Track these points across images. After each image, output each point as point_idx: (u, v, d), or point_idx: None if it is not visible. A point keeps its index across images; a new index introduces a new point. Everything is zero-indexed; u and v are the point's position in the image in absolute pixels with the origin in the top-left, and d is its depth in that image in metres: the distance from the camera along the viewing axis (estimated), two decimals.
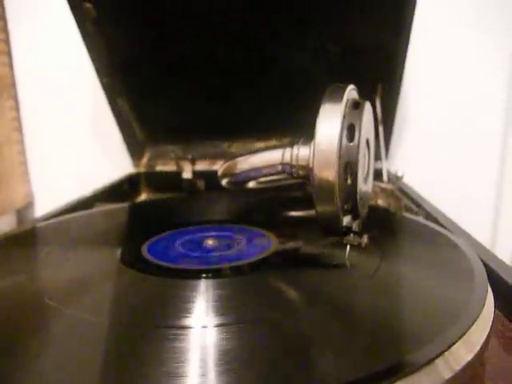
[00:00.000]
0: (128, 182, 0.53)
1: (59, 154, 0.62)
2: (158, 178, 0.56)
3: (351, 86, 0.25)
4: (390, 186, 0.42)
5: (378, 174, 0.44)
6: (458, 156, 0.57)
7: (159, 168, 0.56)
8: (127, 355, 0.16)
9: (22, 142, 0.60)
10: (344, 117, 0.23)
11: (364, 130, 0.23)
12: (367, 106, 0.25)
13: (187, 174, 0.53)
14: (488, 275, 0.21)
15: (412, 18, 0.41)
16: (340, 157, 0.22)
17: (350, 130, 0.23)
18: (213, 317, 0.18)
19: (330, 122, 0.22)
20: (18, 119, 0.60)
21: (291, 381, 0.14)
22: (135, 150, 0.57)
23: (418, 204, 0.38)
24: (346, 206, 0.23)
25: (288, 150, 0.25)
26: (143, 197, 0.55)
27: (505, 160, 0.57)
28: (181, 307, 0.19)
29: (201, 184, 0.52)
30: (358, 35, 0.45)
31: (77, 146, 0.61)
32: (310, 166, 0.23)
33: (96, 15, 0.44)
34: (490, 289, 0.20)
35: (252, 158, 0.28)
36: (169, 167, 0.56)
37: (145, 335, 0.17)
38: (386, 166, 0.46)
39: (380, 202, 0.42)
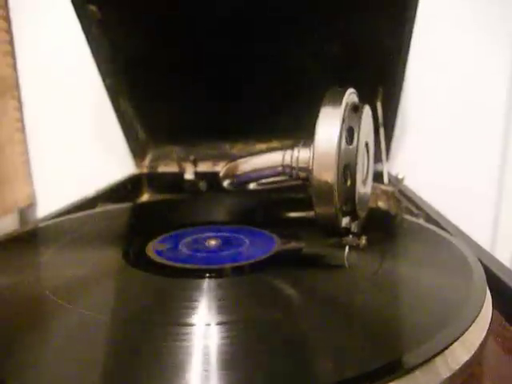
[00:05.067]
0: (130, 183, 0.54)
1: (62, 155, 0.62)
2: (160, 178, 0.56)
3: (351, 90, 0.25)
4: (390, 189, 0.42)
5: (378, 177, 0.45)
6: (458, 159, 0.58)
7: (161, 169, 0.57)
8: (131, 352, 0.16)
9: (24, 142, 0.61)
10: (343, 120, 0.23)
11: (363, 133, 0.24)
12: (366, 109, 0.25)
13: (189, 175, 0.53)
14: (487, 276, 0.22)
15: (413, 20, 0.41)
16: (339, 159, 0.22)
17: (350, 132, 0.23)
18: (216, 315, 0.19)
19: (329, 125, 0.23)
20: (20, 120, 0.60)
21: (292, 379, 0.14)
22: (137, 150, 0.57)
23: (418, 206, 0.38)
24: (344, 208, 0.24)
25: (288, 152, 0.26)
26: (145, 198, 0.55)
27: (506, 164, 0.57)
28: (184, 305, 0.19)
29: (203, 185, 0.52)
30: (359, 37, 0.45)
31: (79, 147, 0.61)
32: (310, 168, 0.23)
33: (100, 16, 0.45)
34: (488, 290, 0.20)
35: (253, 160, 0.28)
36: (171, 168, 0.56)
37: (148, 332, 0.17)
38: (386, 169, 0.46)
39: (380, 204, 0.42)
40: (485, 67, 0.55)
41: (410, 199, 0.41)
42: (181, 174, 0.54)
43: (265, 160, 0.27)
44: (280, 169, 0.26)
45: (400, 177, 0.39)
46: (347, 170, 0.23)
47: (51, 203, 0.41)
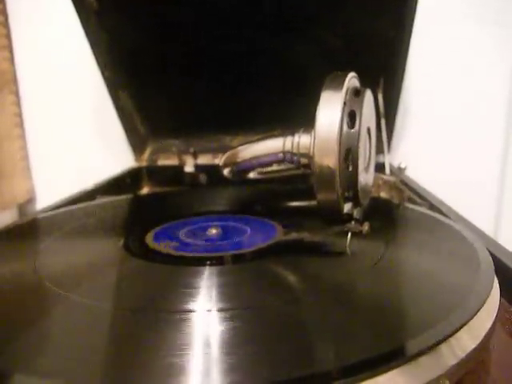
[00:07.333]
0: (130, 177, 0.53)
1: (61, 149, 0.61)
2: (160, 172, 0.56)
3: (352, 74, 0.25)
4: (392, 179, 0.41)
5: (380, 167, 0.44)
6: (460, 148, 0.57)
7: (161, 162, 0.56)
8: (132, 339, 0.16)
9: (23, 137, 0.60)
10: (344, 104, 0.23)
11: (365, 117, 0.23)
12: (368, 93, 0.24)
13: (189, 168, 0.53)
14: (494, 264, 0.21)
15: (415, 10, 0.41)
16: (340, 144, 0.22)
17: (351, 117, 0.23)
18: (217, 301, 0.19)
19: (330, 109, 0.22)
20: (19, 114, 0.60)
21: (294, 365, 0.14)
22: (137, 144, 0.56)
23: (421, 195, 0.38)
24: (346, 194, 0.23)
25: (289, 138, 0.25)
26: (145, 191, 0.55)
27: (507, 151, 0.56)
28: (185, 292, 0.19)
29: (203, 178, 0.52)
30: (361, 28, 0.45)
31: (78, 140, 0.61)
32: (311, 153, 0.22)
33: (98, 8, 0.44)
34: (495, 276, 0.20)
35: (254, 147, 0.28)
36: (171, 161, 0.55)
37: (150, 319, 0.17)
38: (388, 159, 0.46)
39: (383, 195, 0.42)
40: (487, 58, 0.55)
41: (412, 189, 0.40)
42: (181, 167, 0.53)
43: (265, 147, 0.27)
44: (281, 155, 0.26)
45: (402, 166, 0.39)
46: (349, 154, 0.22)
47: (50, 198, 0.41)
